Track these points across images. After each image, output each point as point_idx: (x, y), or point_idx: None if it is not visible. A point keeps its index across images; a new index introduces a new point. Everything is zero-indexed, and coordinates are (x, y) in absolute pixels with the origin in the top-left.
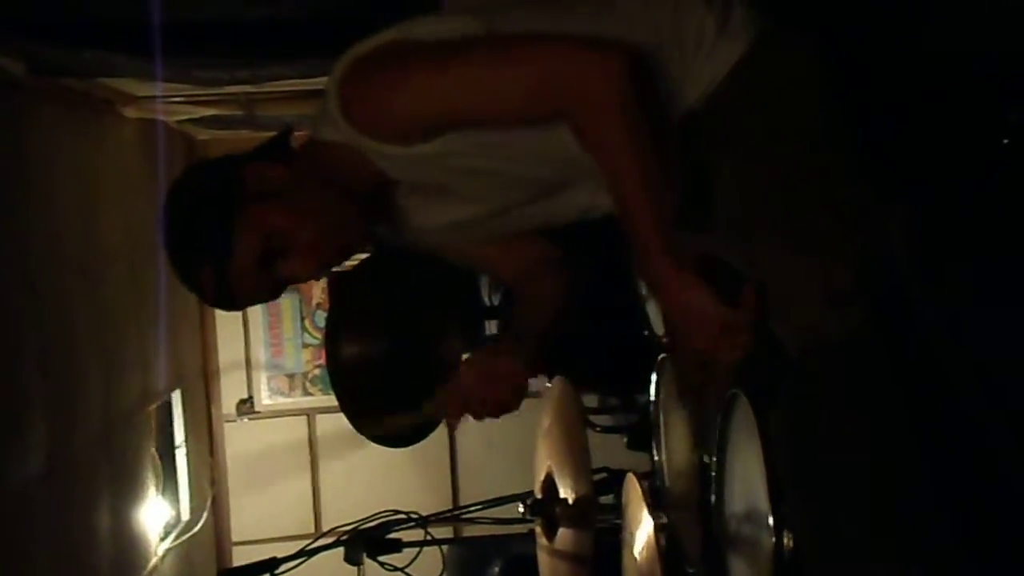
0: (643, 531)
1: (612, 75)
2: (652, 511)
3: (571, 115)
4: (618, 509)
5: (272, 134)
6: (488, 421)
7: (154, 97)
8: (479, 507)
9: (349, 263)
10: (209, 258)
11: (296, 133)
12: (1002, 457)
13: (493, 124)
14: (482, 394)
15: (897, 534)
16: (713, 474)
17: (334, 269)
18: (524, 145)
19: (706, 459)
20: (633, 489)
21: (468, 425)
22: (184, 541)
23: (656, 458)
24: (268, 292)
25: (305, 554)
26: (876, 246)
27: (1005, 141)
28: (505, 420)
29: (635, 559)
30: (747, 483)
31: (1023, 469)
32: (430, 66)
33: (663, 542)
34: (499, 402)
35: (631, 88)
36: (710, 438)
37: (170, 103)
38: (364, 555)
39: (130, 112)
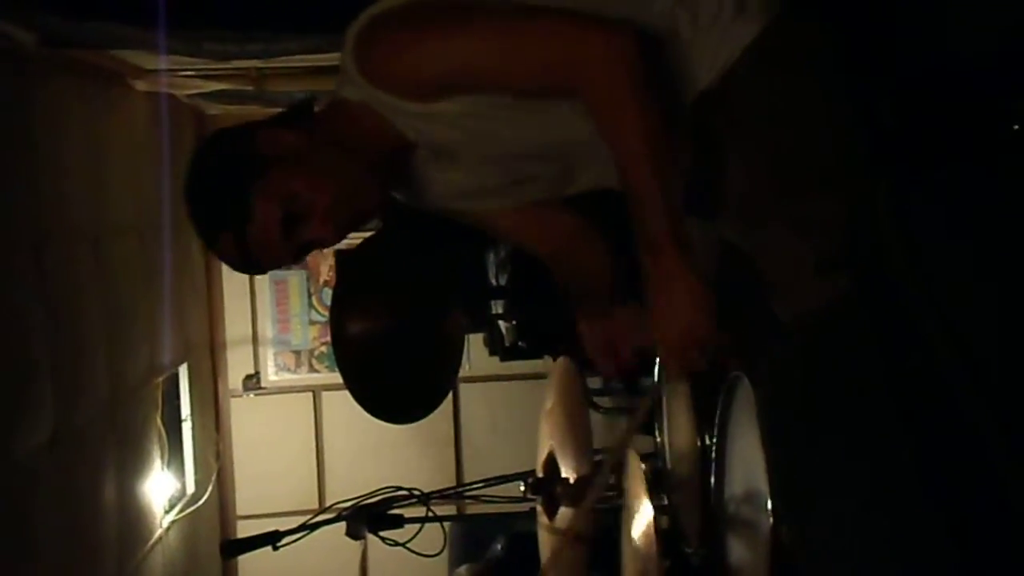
0: (642, 512)
1: (623, 52)
2: (651, 492)
3: (584, 91)
4: (618, 489)
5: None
6: (492, 396)
7: (164, 70)
8: (481, 485)
9: (355, 240)
10: (229, 224)
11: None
12: (982, 429)
13: (505, 89)
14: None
15: (879, 508)
16: (713, 456)
17: (343, 244)
18: (538, 115)
19: (707, 441)
20: (634, 469)
21: (473, 404)
22: (189, 514)
23: (658, 440)
24: (290, 255)
25: (307, 528)
26: (863, 217)
27: (1016, 127)
28: (510, 399)
29: (633, 539)
30: (747, 465)
31: (1001, 440)
32: (449, 23)
33: (662, 523)
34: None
35: (643, 67)
36: (711, 420)
37: (180, 76)
38: (366, 530)
39: (140, 85)
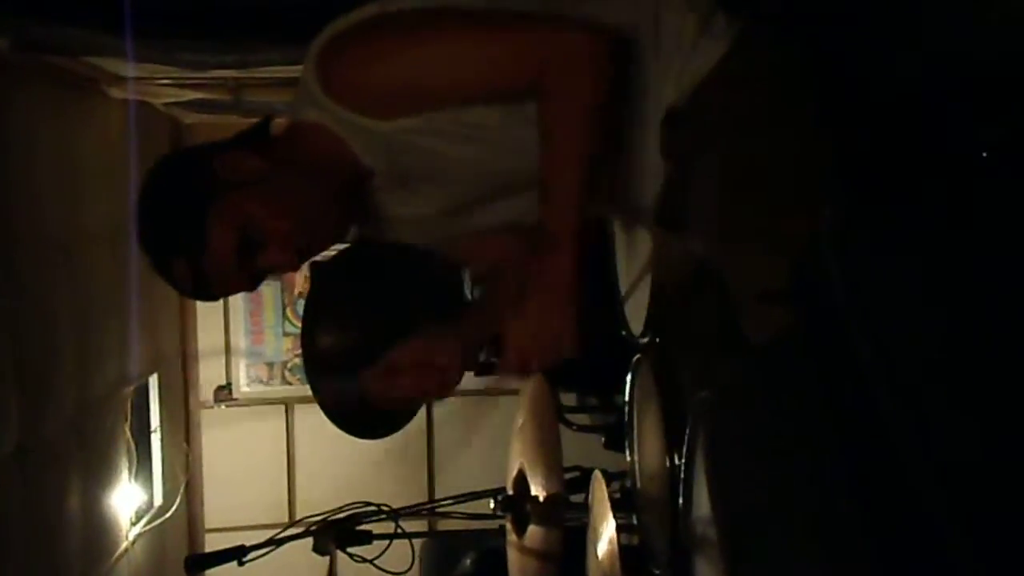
0: (606, 530)
1: (592, 53)
2: (615, 511)
3: (543, 86)
4: (587, 508)
5: (258, 120)
6: (467, 413)
7: (140, 78)
8: (450, 502)
9: (328, 252)
10: (183, 250)
11: (277, 120)
12: (911, 461)
13: (469, 96)
14: (410, 380)
15: (814, 539)
16: (682, 477)
17: (314, 258)
18: (500, 130)
19: (676, 461)
20: (599, 488)
21: (446, 419)
22: (156, 526)
23: (629, 459)
24: (246, 282)
25: (274, 543)
26: (807, 246)
27: (984, 155)
28: (483, 415)
29: (598, 557)
30: None
31: (928, 472)
32: (410, 35)
33: (624, 542)
34: (422, 390)
35: (608, 68)
36: (680, 441)
37: (156, 85)
38: (334, 546)
39: (115, 92)
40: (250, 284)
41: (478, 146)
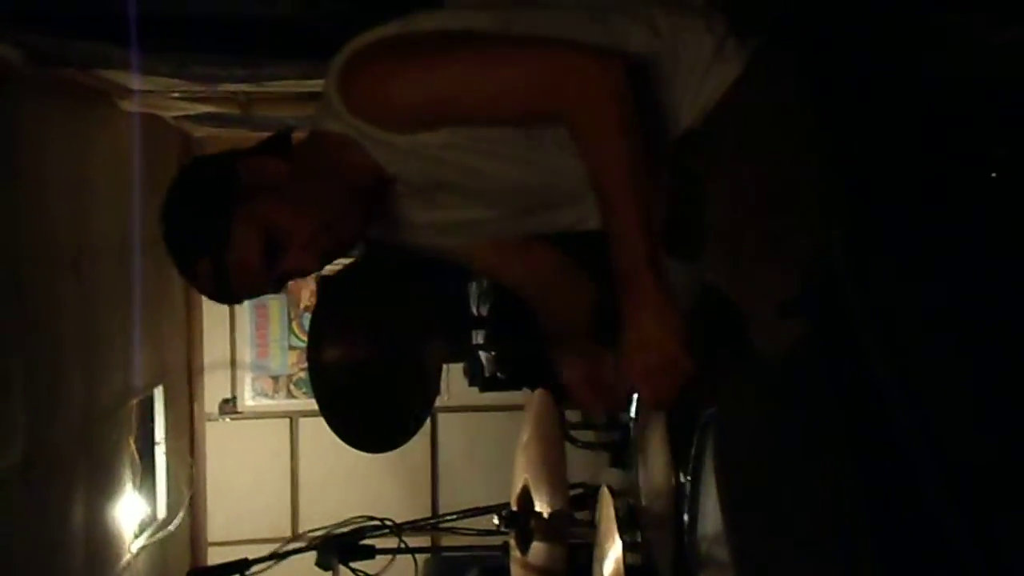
0: (612, 549)
1: (612, 79)
2: (621, 529)
3: (569, 115)
4: (592, 525)
5: (267, 135)
6: (471, 428)
7: (150, 91)
8: (454, 517)
9: (335, 266)
10: (207, 250)
11: (295, 133)
12: (926, 477)
13: (489, 118)
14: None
15: (825, 554)
16: (688, 495)
17: (323, 271)
18: (521, 151)
19: (682, 479)
20: (606, 506)
21: (451, 434)
22: (159, 539)
23: (634, 476)
24: (270, 285)
25: (277, 556)
26: (823, 261)
27: (993, 175)
28: (488, 430)
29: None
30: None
31: (946, 489)
32: (432, 54)
33: (630, 560)
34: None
35: (630, 94)
36: (686, 458)
37: (167, 98)
38: (337, 561)
39: (126, 105)
40: (274, 286)
41: (498, 161)
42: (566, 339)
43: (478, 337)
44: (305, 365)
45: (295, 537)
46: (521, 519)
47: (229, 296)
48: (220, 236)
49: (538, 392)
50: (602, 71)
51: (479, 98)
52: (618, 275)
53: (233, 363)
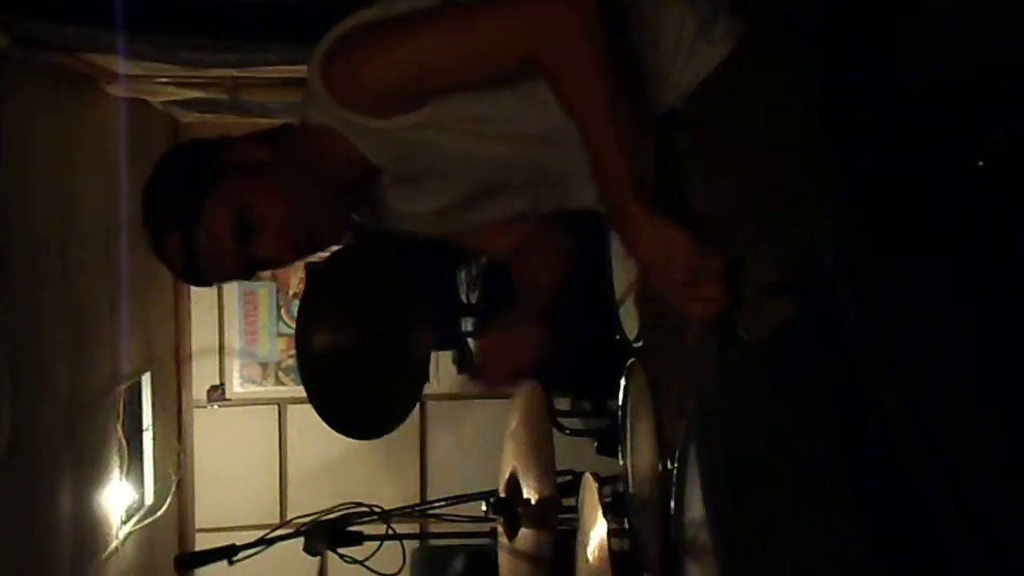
0: (597, 534)
1: (580, 15)
2: (606, 514)
3: (542, 57)
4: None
5: (256, 120)
6: (460, 415)
7: (138, 76)
8: (442, 503)
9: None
10: (176, 223)
11: (283, 119)
12: (912, 461)
13: (473, 79)
14: (501, 362)
15: (810, 538)
16: (674, 481)
17: (310, 259)
18: (502, 125)
19: (669, 465)
20: (589, 492)
21: (440, 422)
22: (146, 525)
23: (622, 463)
24: (238, 269)
25: (264, 543)
26: (810, 244)
27: (980, 163)
28: (477, 418)
29: (587, 561)
30: None
31: (929, 469)
32: (407, 28)
33: (615, 546)
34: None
35: (600, 29)
36: (673, 445)
37: (154, 83)
38: (324, 546)
39: (113, 90)
40: (242, 272)
41: (485, 140)
42: (521, 302)
43: (467, 324)
44: (293, 352)
45: (283, 523)
46: (509, 506)
47: (198, 275)
48: (192, 211)
49: (527, 380)
50: (570, 7)
51: (457, 59)
52: (609, 211)
53: (221, 350)
